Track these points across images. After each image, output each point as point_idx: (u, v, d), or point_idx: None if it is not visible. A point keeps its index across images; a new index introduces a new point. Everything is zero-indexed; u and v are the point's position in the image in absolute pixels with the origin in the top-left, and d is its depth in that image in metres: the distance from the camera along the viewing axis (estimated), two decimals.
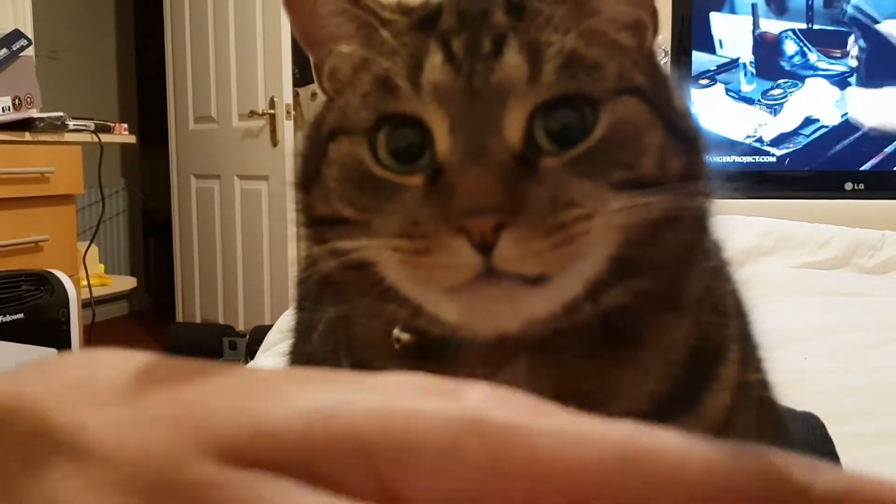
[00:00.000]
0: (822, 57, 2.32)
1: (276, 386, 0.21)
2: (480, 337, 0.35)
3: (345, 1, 0.39)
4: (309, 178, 0.39)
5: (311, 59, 0.41)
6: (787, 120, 2.35)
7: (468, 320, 0.34)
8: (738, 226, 1.80)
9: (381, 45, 0.37)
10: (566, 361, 0.37)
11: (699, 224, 0.38)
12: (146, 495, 0.19)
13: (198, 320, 3.90)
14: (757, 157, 2.36)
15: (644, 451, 0.19)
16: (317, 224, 0.38)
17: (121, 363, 0.23)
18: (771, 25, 2.36)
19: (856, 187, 2.26)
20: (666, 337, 0.38)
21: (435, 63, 0.35)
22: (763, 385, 0.44)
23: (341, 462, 0.19)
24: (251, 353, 2.36)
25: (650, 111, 0.35)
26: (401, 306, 0.36)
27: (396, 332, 0.38)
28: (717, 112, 2.37)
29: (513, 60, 0.34)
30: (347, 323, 0.42)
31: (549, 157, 0.34)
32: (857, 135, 2.31)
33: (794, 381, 1.20)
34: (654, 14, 0.39)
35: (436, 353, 0.36)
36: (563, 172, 0.33)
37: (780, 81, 2.34)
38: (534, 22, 0.36)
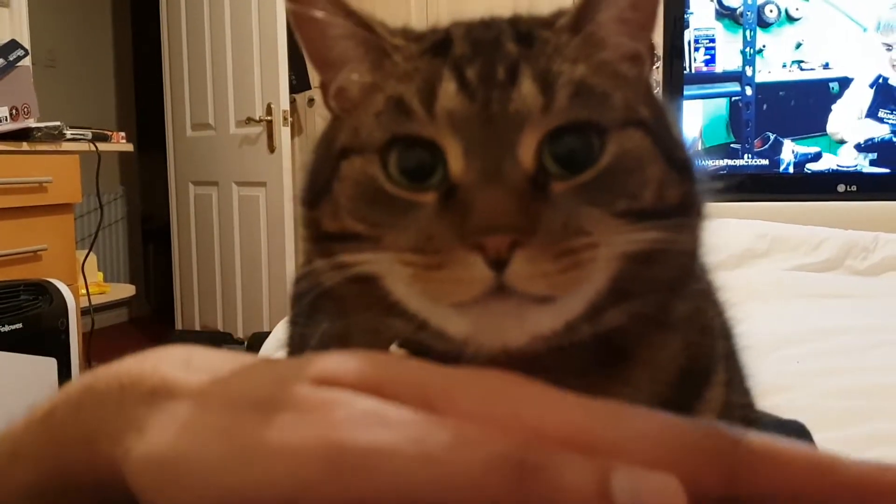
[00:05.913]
0: None
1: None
2: (483, 352, 0.36)
3: (354, 24, 0.39)
4: (316, 194, 0.39)
5: (319, 78, 0.41)
6: None
7: (476, 334, 0.35)
8: (733, 228, 1.81)
9: (392, 68, 0.38)
10: (558, 380, 0.38)
11: (692, 250, 0.40)
12: (246, 409, 0.27)
13: (197, 327, 3.90)
14: (749, 161, 2.37)
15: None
16: (324, 239, 0.39)
17: (207, 351, 0.32)
18: None
19: (848, 189, 2.27)
20: (656, 355, 0.39)
21: (449, 90, 0.36)
22: (747, 408, 0.45)
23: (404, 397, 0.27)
24: None
25: (652, 144, 0.37)
26: (406, 322, 0.36)
27: (393, 348, 0.39)
28: None
29: (528, 89, 0.35)
30: (343, 340, 0.42)
31: (557, 181, 0.35)
32: None
33: (786, 384, 1.21)
34: (651, 48, 0.40)
35: None
36: (572, 199, 0.35)
37: None
38: (543, 51, 0.37)
